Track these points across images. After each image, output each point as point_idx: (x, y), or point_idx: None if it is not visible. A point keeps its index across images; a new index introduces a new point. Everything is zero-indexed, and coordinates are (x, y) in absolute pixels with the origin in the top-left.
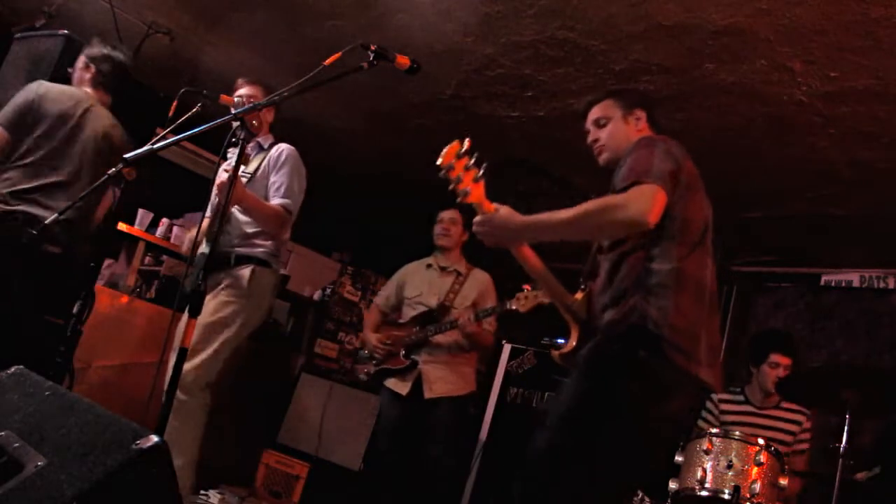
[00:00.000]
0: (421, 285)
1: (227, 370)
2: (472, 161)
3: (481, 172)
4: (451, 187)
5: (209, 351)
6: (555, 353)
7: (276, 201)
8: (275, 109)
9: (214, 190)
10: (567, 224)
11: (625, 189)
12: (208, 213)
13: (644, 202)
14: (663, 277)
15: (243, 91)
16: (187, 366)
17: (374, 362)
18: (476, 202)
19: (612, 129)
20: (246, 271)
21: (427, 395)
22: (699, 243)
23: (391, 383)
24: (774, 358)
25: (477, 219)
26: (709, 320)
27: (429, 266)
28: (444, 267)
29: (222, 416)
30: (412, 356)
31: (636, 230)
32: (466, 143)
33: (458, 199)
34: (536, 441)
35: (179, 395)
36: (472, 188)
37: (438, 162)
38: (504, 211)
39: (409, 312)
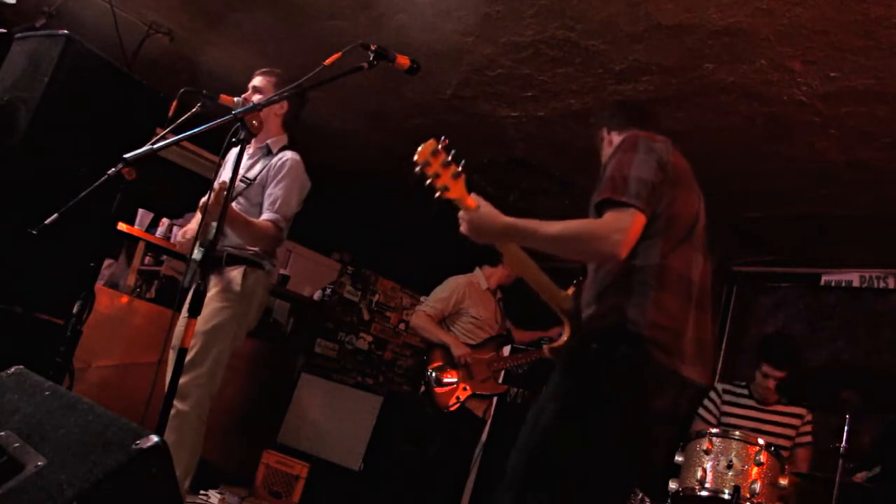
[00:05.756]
0: (485, 309)
1: (221, 373)
2: (450, 158)
3: (460, 168)
4: (427, 182)
5: (209, 363)
6: (546, 346)
7: (266, 216)
8: (288, 105)
9: (203, 201)
10: (546, 240)
11: (602, 205)
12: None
13: (619, 236)
14: (644, 274)
15: (253, 82)
16: (187, 377)
17: (466, 388)
18: (457, 198)
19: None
20: (237, 273)
21: (481, 414)
22: (685, 239)
23: (469, 404)
24: (765, 368)
25: (460, 214)
26: (697, 316)
27: (484, 288)
28: (490, 289)
29: (222, 415)
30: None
31: (608, 263)
32: (443, 140)
33: (437, 195)
34: (518, 443)
35: (178, 404)
36: (452, 184)
37: (414, 159)
38: (485, 208)
39: (478, 333)
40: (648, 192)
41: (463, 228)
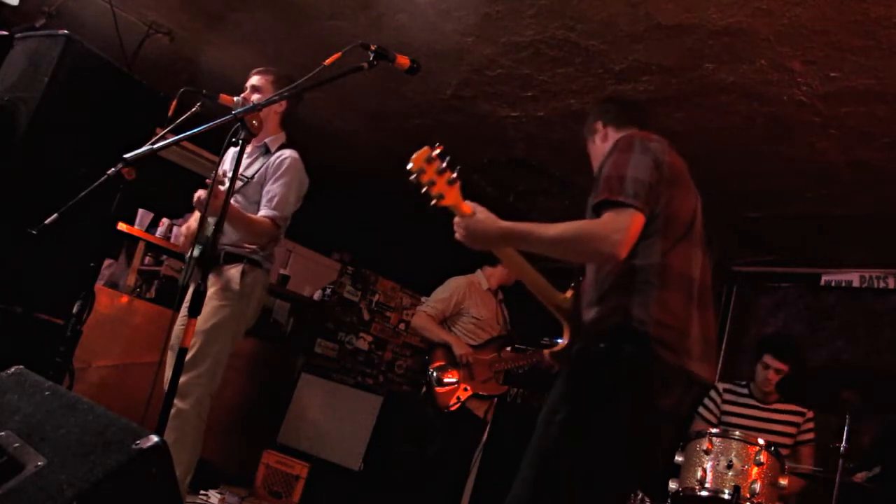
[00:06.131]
0: (486, 309)
1: (221, 372)
2: (445, 164)
3: (455, 175)
4: (422, 191)
5: (209, 361)
6: (545, 352)
7: (264, 213)
8: (287, 103)
9: (197, 197)
10: (544, 243)
11: (600, 206)
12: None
13: (618, 236)
14: (646, 274)
15: (251, 81)
16: (187, 376)
17: (466, 388)
18: (452, 205)
19: (591, 153)
20: (235, 271)
21: (482, 414)
22: (684, 237)
23: (470, 404)
24: (766, 359)
25: (455, 220)
26: (700, 314)
27: (485, 288)
28: (491, 289)
29: (223, 415)
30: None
31: (608, 263)
32: (437, 147)
33: (433, 203)
34: (530, 448)
35: (178, 403)
36: (447, 191)
37: (408, 167)
38: (481, 214)
39: (479, 333)
40: (646, 192)
41: (459, 235)
